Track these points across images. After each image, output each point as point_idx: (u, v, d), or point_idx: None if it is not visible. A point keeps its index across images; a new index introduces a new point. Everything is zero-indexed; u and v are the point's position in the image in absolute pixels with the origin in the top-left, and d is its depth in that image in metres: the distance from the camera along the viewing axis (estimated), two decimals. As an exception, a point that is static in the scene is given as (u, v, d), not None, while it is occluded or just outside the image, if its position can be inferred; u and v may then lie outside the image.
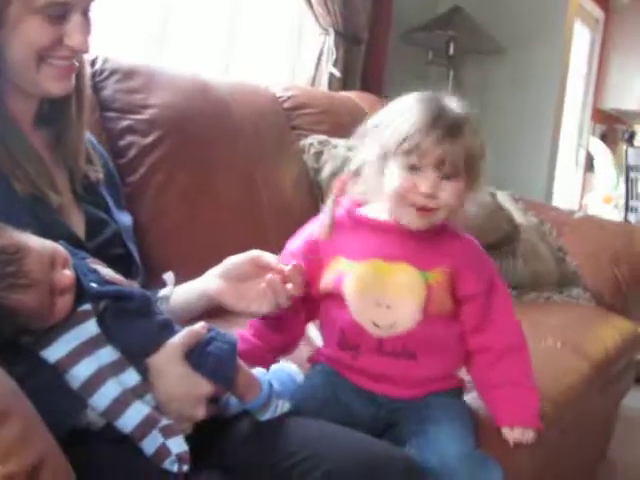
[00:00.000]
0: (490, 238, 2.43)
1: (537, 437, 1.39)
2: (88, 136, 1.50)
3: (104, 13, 2.13)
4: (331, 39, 3.45)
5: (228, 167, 2.19)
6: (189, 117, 2.13)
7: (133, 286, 1.25)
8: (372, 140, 1.38)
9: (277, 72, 3.45)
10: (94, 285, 1.14)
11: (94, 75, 1.98)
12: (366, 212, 1.43)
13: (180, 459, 1.09)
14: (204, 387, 1.14)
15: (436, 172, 1.31)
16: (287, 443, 1.19)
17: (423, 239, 1.38)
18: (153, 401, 1.12)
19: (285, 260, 1.43)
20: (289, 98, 2.69)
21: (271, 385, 1.23)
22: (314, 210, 2.41)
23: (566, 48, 4.34)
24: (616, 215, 5.88)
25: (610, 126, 7.22)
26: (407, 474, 1.21)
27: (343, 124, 2.65)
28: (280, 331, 1.44)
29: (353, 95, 3.14)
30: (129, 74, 2.06)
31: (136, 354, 1.12)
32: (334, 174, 2.47)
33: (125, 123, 2.01)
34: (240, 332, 1.43)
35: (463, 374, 1.47)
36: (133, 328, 1.14)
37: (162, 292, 1.32)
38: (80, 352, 1.09)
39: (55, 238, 1.15)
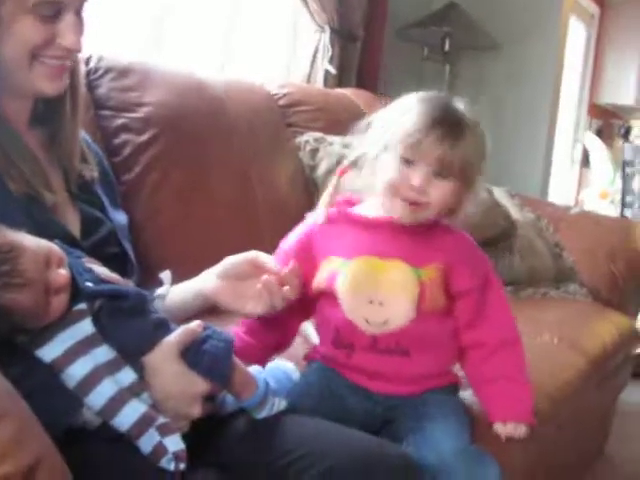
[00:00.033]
0: (487, 234, 2.43)
1: (530, 432, 1.39)
2: (83, 135, 1.50)
3: (100, 11, 2.15)
4: (326, 36, 3.45)
5: (223, 165, 2.19)
6: (184, 115, 2.13)
7: (128, 285, 1.24)
8: (373, 136, 1.38)
9: (273, 69, 3.44)
10: (89, 284, 1.14)
11: (89, 73, 1.98)
12: (359, 210, 1.43)
13: (177, 457, 1.09)
14: (200, 385, 1.14)
15: (430, 169, 1.31)
16: (283, 441, 1.19)
17: (416, 236, 1.38)
18: (149, 399, 1.12)
19: (279, 259, 1.43)
20: (284, 95, 2.69)
21: (267, 383, 1.23)
22: (310, 207, 2.40)
23: (561, 44, 4.34)
24: (612, 211, 5.87)
25: (606, 121, 7.21)
26: (404, 471, 1.21)
27: (339, 121, 2.66)
28: (273, 330, 1.44)
29: (349, 92, 3.14)
30: (124, 72, 2.06)
31: (132, 353, 1.12)
32: (330, 171, 2.46)
33: (120, 121, 2.00)
34: (233, 330, 1.43)
35: (457, 370, 1.47)
36: (129, 327, 1.14)
37: (158, 291, 1.32)
38: (76, 351, 1.09)
39: (50, 237, 1.15)
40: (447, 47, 3.99)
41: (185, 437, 1.13)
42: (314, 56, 3.48)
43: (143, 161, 1.99)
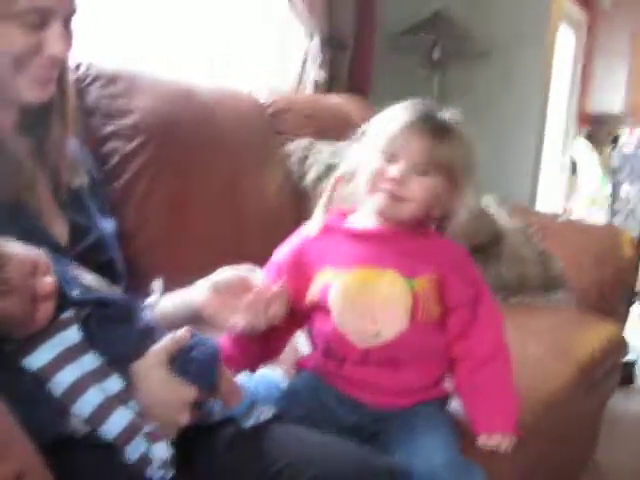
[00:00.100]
0: (475, 242, 2.43)
1: (514, 445, 1.38)
2: (72, 142, 1.49)
3: (90, 19, 2.15)
4: (316, 43, 3.45)
5: (212, 172, 2.19)
6: (173, 122, 2.12)
7: (116, 293, 1.24)
8: (362, 144, 1.41)
9: (262, 77, 3.44)
10: (76, 292, 1.13)
11: (77, 81, 1.97)
12: (352, 221, 1.44)
13: (164, 465, 1.09)
14: (187, 393, 1.14)
15: (410, 164, 1.34)
16: (270, 449, 1.19)
17: (409, 246, 1.39)
18: (136, 407, 1.11)
19: (271, 271, 1.44)
20: (273, 103, 2.68)
21: (255, 391, 1.23)
22: (299, 215, 2.42)
23: (550, 51, 4.35)
24: (601, 218, 5.90)
25: (595, 129, 7.24)
26: (390, 480, 1.21)
27: (327, 129, 2.66)
28: (263, 340, 1.44)
29: (338, 99, 3.14)
30: (112, 79, 2.05)
31: (119, 360, 1.12)
32: (319, 179, 2.47)
33: (109, 129, 2.00)
34: (223, 338, 1.42)
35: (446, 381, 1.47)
36: (116, 334, 1.14)
37: (148, 300, 1.32)
38: (62, 359, 1.08)
39: (36, 245, 1.15)
40: (436, 54, 4.00)
41: (172, 445, 1.12)
42: (304, 63, 3.48)
43: (132, 169, 1.98)
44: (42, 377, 1.07)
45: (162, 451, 1.10)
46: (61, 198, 1.41)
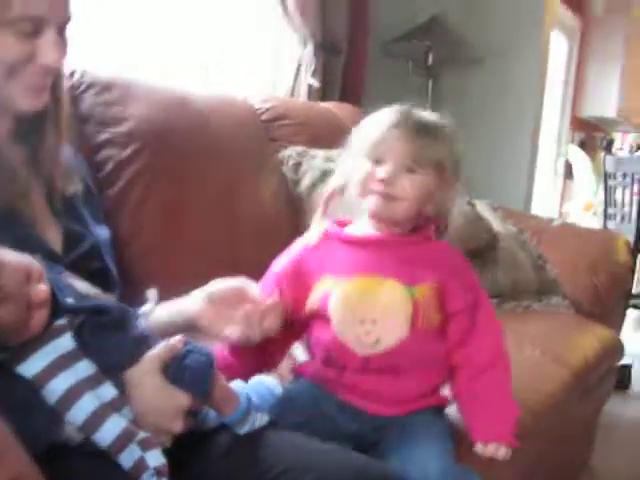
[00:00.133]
0: (469, 247, 2.43)
1: (510, 454, 1.38)
2: (66, 150, 1.49)
3: (84, 27, 2.15)
4: (310, 50, 3.46)
5: (207, 179, 2.19)
6: (167, 130, 2.12)
7: (110, 300, 1.24)
8: (349, 154, 1.42)
9: (256, 83, 3.45)
10: (70, 300, 1.13)
11: (72, 88, 1.97)
12: (351, 230, 1.44)
13: (158, 472, 1.09)
14: (181, 400, 1.14)
15: (397, 163, 1.35)
16: (266, 456, 1.19)
17: (409, 253, 1.39)
18: (130, 414, 1.11)
19: (270, 281, 1.44)
20: (267, 110, 2.69)
21: (249, 398, 1.22)
22: (294, 222, 2.43)
23: (544, 57, 4.36)
24: (596, 222, 5.91)
25: (589, 134, 7.27)
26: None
27: (321, 135, 2.67)
28: (260, 351, 1.43)
29: (332, 106, 3.15)
30: (107, 87, 2.05)
31: (113, 368, 1.12)
32: (313, 185, 2.47)
33: (103, 136, 2.00)
34: (218, 347, 1.42)
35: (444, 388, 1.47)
36: (110, 342, 1.13)
37: (143, 308, 1.32)
38: (57, 366, 1.08)
39: (30, 252, 1.15)
40: (430, 61, 4.01)
41: (167, 452, 1.12)
42: (297, 70, 3.49)
43: (126, 176, 1.98)
44: (36, 384, 1.07)
45: (156, 458, 1.10)
46: (55, 206, 1.41)
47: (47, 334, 1.09)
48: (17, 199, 1.30)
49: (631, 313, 4.68)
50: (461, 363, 1.40)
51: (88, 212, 1.51)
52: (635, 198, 4.76)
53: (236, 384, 1.24)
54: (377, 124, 1.39)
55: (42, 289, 1.10)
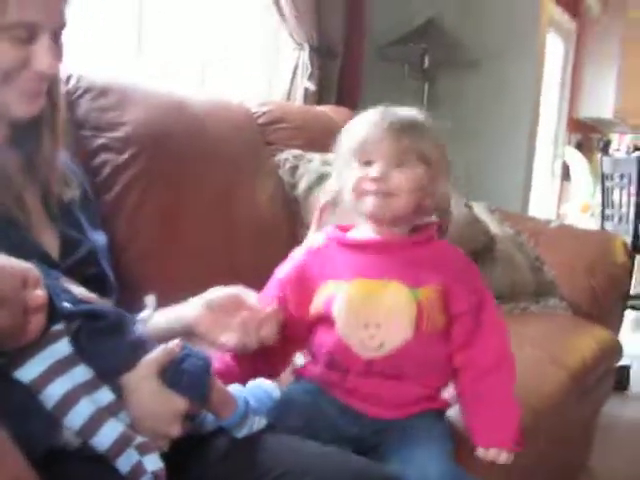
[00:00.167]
0: (467, 249, 2.43)
1: (512, 459, 1.38)
2: (62, 155, 1.49)
3: (79, 30, 2.15)
4: (306, 54, 3.46)
5: (203, 184, 2.19)
6: (164, 134, 2.12)
7: (107, 305, 1.24)
8: (338, 162, 1.45)
9: (253, 87, 3.45)
10: (67, 305, 1.13)
11: (68, 93, 1.97)
12: (353, 234, 1.44)
13: (156, 477, 1.09)
14: (179, 404, 1.14)
15: (386, 161, 1.37)
16: (264, 459, 1.19)
17: (412, 255, 1.39)
18: (128, 419, 1.11)
19: (273, 287, 1.44)
20: (264, 113, 2.69)
21: (247, 402, 1.22)
22: (291, 225, 2.43)
23: (540, 59, 4.37)
24: (593, 224, 5.91)
25: (585, 135, 7.27)
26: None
27: (318, 139, 2.66)
28: (262, 359, 1.43)
29: (328, 109, 3.15)
30: (103, 92, 2.05)
31: (109, 372, 1.12)
32: (310, 188, 2.48)
33: (100, 141, 2.00)
34: (218, 355, 1.42)
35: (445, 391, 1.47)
36: (107, 347, 1.13)
37: (141, 315, 1.32)
38: (54, 371, 1.08)
39: (26, 258, 1.15)
40: (426, 64, 4.02)
41: (165, 456, 1.12)
42: (294, 73, 3.49)
43: (123, 181, 1.98)
44: (33, 389, 1.07)
45: (153, 463, 1.10)
46: (52, 211, 1.41)
47: (44, 339, 1.09)
48: (13, 205, 1.30)
49: (629, 314, 4.69)
50: (465, 364, 1.40)
51: (85, 218, 1.51)
52: (632, 199, 4.76)
53: (234, 387, 1.24)
54: (360, 127, 1.41)
55: (39, 294, 1.10)
